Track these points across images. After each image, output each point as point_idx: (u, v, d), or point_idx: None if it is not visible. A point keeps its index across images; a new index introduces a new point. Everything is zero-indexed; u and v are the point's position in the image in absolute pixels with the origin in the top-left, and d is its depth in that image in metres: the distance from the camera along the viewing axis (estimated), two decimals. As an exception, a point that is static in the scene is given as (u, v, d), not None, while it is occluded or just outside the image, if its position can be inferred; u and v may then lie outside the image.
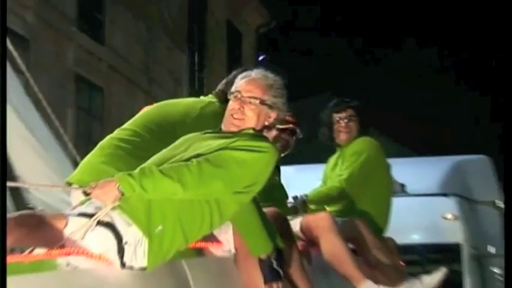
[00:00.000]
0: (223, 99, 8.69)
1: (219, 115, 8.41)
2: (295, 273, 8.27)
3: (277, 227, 8.04)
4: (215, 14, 39.47)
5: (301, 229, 9.76)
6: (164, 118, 8.71)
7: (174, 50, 34.57)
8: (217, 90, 9.34)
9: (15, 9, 26.44)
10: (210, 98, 9.32)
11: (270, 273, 7.46)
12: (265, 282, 7.46)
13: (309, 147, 12.37)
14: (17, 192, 8.34)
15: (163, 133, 8.38)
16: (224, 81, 9.32)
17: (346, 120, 11.18)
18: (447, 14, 69.63)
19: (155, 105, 9.15)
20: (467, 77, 62.43)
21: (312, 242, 9.72)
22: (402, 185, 11.64)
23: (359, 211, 10.96)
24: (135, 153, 8.15)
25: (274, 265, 7.49)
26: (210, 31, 39.18)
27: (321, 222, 9.85)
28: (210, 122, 8.49)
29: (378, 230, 11.12)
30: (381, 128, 9.89)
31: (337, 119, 11.23)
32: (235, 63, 34.12)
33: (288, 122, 8.52)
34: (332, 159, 11.63)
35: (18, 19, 26.46)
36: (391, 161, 11.77)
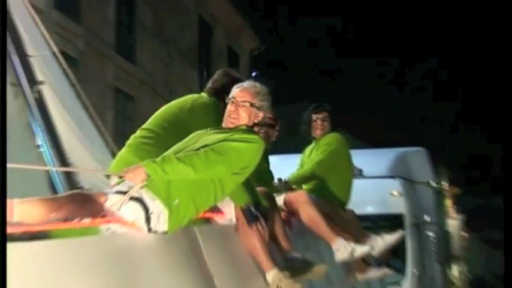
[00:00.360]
0: (212, 94, 9.27)
1: (207, 105, 9.11)
2: (280, 234, 8.39)
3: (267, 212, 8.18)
4: (218, 41, 39.61)
5: (284, 203, 9.81)
6: (169, 115, 8.99)
7: (187, 68, 34.86)
8: (206, 87, 9.51)
9: (69, 38, 26.42)
10: (200, 94, 9.47)
11: (251, 217, 7.71)
12: (249, 224, 7.69)
13: (290, 141, 12.53)
14: (69, 176, 8.30)
15: (171, 126, 8.77)
16: (211, 80, 9.55)
17: (321, 120, 11.43)
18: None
19: (163, 107, 9.32)
20: (418, 88, 63.07)
21: (292, 213, 9.81)
22: (360, 170, 11.81)
23: (328, 189, 11.03)
24: (153, 145, 8.47)
25: (253, 212, 7.73)
26: (215, 54, 39.39)
27: (300, 197, 10.06)
28: (199, 111, 8.96)
29: (342, 203, 11.31)
30: (346, 127, 9.97)
31: (315, 118, 11.46)
32: (232, 81, 34.61)
33: (269, 119, 8.39)
34: (308, 149, 11.77)
35: (71, 45, 26.42)
36: (352, 151, 11.89)
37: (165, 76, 31.43)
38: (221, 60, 40.15)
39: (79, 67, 26.09)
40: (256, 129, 8.01)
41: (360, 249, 9.78)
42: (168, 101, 9.42)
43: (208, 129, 7.74)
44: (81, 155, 9.29)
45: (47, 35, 10.06)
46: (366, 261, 10.45)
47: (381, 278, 11.77)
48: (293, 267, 7.93)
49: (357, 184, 11.82)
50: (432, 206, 20.72)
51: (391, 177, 18.60)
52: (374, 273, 10.76)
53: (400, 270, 17.91)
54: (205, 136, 7.46)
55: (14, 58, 8.93)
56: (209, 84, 9.51)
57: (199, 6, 37.41)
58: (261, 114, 7.94)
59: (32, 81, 8.95)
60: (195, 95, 9.41)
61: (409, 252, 18.26)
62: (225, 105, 8.15)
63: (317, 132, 11.52)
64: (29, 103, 8.84)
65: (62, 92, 9.84)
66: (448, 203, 23.72)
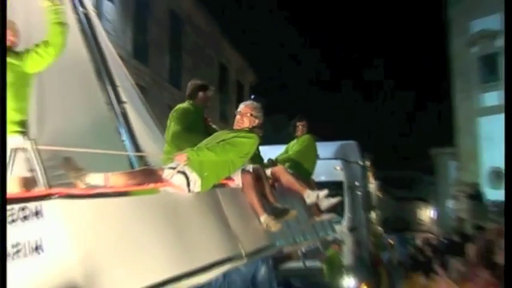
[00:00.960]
0: (187, 98, 9.55)
1: (187, 108, 9.33)
2: (268, 193, 8.39)
3: (259, 173, 8.35)
4: (231, 77, 39.37)
5: (271, 173, 9.78)
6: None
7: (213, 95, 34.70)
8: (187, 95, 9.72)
9: (141, 75, 26.44)
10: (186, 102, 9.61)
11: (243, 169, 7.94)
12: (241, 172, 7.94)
13: (277, 137, 12.61)
14: (141, 158, 8.43)
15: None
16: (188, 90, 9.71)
17: (302, 126, 11.69)
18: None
19: None
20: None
21: (276, 179, 9.81)
22: (318, 154, 11.79)
23: (300, 167, 11.10)
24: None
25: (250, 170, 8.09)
26: (230, 87, 39.19)
27: (281, 169, 10.11)
28: (183, 112, 9.23)
29: (309, 174, 11.37)
30: (313, 130, 10.19)
31: (298, 124, 11.70)
32: (239, 101, 34.53)
33: (259, 124, 8.43)
34: (291, 143, 11.85)
35: (142, 79, 26.51)
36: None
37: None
38: (233, 89, 40.00)
39: (147, 93, 26.05)
40: (255, 130, 8.19)
41: (321, 194, 10.14)
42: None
43: (226, 130, 8.15)
44: (149, 145, 9.42)
45: (127, 73, 10.22)
46: (319, 209, 10.46)
47: (329, 219, 11.61)
48: (276, 213, 8.04)
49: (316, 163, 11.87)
50: (360, 176, 20.84)
51: (335, 158, 18.93)
52: (325, 216, 10.73)
53: (341, 215, 18.12)
54: (224, 135, 7.75)
55: (108, 87, 9.02)
56: (187, 92, 9.73)
57: (220, 56, 37.43)
58: (257, 121, 8.25)
59: (119, 101, 9.04)
60: (183, 104, 9.63)
61: (346, 204, 18.61)
62: (200, 101, 9.42)
63: (298, 133, 11.74)
64: (117, 115, 8.94)
65: (138, 108, 10.00)
66: (369, 174, 23.75)
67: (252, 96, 38.42)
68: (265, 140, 10.82)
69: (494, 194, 37.25)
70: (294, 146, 11.72)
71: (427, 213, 64.65)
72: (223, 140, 7.52)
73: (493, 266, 13.33)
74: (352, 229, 18.92)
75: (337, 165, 18.78)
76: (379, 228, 28.22)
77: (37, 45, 6.30)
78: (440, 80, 47.03)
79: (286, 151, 11.81)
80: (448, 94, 44.79)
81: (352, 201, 19.29)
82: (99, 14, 23.31)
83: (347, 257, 18.14)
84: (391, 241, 39.07)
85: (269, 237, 8.01)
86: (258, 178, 8.28)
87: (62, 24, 6.47)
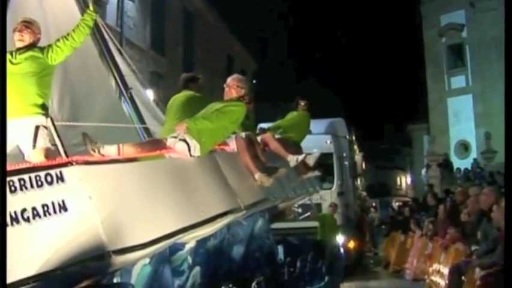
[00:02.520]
0: (182, 88, 9.04)
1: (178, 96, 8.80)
2: (260, 154, 8.22)
3: (251, 138, 8.24)
4: (236, 67, 39.00)
5: (260, 140, 9.47)
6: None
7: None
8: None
9: (158, 63, 26.27)
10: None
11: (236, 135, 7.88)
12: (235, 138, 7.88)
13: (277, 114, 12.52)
14: (147, 131, 8.86)
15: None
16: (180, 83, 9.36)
17: (303, 104, 11.34)
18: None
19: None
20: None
21: (264, 145, 9.52)
22: (310, 130, 11.64)
23: (291, 135, 10.76)
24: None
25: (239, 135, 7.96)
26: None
27: (267, 136, 9.87)
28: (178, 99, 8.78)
29: (297, 143, 10.96)
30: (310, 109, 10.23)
31: (300, 102, 11.36)
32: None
33: (247, 99, 8.24)
34: (289, 114, 11.52)
35: (160, 67, 26.34)
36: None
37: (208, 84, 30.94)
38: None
39: (164, 79, 25.97)
40: (242, 99, 7.99)
41: (300, 157, 9.84)
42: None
43: (217, 102, 7.85)
44: (151, 120, 9.51)
45: (130, 63, 10.20)
46: (307, 167, 10.37)
47: (316, 178, 11.54)
48: (268, 170, 7.90)
49: (308, 138, 11.61)
50: (347, 148, 20.67)
51: (326, 133, 18.85)
52: (311, 174, 10.46)
53: (331, 182, 18.34)
54: (216, 105, 7.51)
55: (116, 77, 9.24)
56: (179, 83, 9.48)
57: (227, 47, 37.21)
58: (243, 91, 8.07)
59: (126, 87, 9.18)
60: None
61: (335, 172, 18.71)
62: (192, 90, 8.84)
63: (299, 109, 11.39)
64: (126, 99, 9.15)
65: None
66: (355, 147, 23.72)
67: (254, 81, 38.27)
68: (267, 118, 10.77)
69: (461, 163, 37.69)
70: (288, 117, 11.46)
71: (405, 180, 64.91)
72: (216, 110, 7.30)
73: (459, 224, 13.34)
74: (341, 194, 18.92)
75: (328, 139, 18.70)
76: (364, 193, 28.42)
77: (58, 40, 6.52)
78: (415, 66, 46.88)
79: (283, 121, 11.46)
80: (422, 78, 45.28)
81: (341, 170, 19.24)
82: (122, 12, 23.50)
83: (337, 217, 18.10)
84: (374, 204, 39.20)
85: (264, 192, 7.92)
86: (250, 143, 8.13)
87: (90, 27, 6.93)
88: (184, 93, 8.84)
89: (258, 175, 7.73)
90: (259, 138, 9.66)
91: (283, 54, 56.34)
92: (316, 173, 10.97)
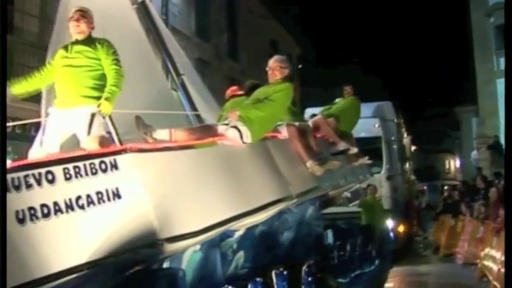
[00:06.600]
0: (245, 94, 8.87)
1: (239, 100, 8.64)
2: (312, 142, 8.27)
3: (304, 128, 8.40)
4: (281, 51, 38.88)
5: (312, 123, 9.60)
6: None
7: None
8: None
9: (203, 50, 26.33)
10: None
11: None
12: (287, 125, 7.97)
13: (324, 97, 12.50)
14: (199, 118, 8.68)
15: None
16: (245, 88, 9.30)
17: (349, 89, 11.35)
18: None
19: None
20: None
21: (315, 129, 9.52)
22: (359, 114, 11.60)
23: (342, 122, 10.63)
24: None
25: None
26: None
27: (320, 120, 9.99)
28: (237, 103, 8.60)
29: (348, 129, 10.95)
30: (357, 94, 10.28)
31: (345, 88, 11.39)
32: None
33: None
34: (338, 101, 11.42)
35: (205, 54, 26.46)
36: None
37: (253, 69, 30.90)
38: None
39: (209, 66, 26.14)
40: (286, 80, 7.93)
41: (346, 146, 9.94)
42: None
43: (264, 86, 7.81)
44: (203, 107, 9.30)
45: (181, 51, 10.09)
46: (357, 155, 10.36)
47: (366, 165, 11.53)
48: (320, 160, 7.92)
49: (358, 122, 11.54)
50: (395, 132, 20.53)
51: (374, 117, 18.79)
52: (361, 161, 10.53)
53: (380, 166, 18.22)
54: (264, 91, 7.50)
55: (168, 63, 9.13)
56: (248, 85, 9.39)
57: (272, 34, 37.11)
58: (286, 71, 7.94)
59: (177, 73, 9.10)
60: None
61: (384, 156, 18.75)
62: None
63: (345, 95, 11.29)
64: (177, 84, 9.09)
65: (194, 80, 9.82)
66: (403, 130, 23.52)
67: (300, 66, 38.09)
68: (313, 102, 10.73)
69: None
70: (338, 103, 11.30)
71: (453, 164, 64.08)
72: (265, 98, 7.20)
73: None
74: (390, 177, 18.85)
75: (376, 123, 18.71)
76: (412, 176, 28.11)
77: (113, 61, 6.26)
78: (463, 47, 46.13)
79: (330, 107, 11.39)
80: (469, 59, 44.49)
81: (389, 153, 19.16)
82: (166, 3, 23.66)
83: (386, 201, 18.03)
84: (422, 188, 38.83)
85: (315, 180, 7.88)
86: (303, 131, 8.15)
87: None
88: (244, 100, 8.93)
89: (309, 163, 7.76)
90: (311, 122, 9.67)
91: (327, 38, 55.90)
92: (367, 160, 10.93)
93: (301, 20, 46.93)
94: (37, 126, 6.51)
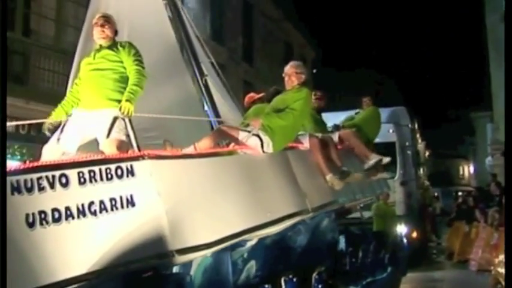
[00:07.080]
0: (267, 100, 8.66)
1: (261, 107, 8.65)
2: (333, 154, 8.22)
3: (326, 140, 8.37)
4: (295, 54, 38.86)
5: (339, 136, 9.58)
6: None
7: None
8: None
9: (219, 53, 26.41)
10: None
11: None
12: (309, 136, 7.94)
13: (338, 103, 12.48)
14: (220, 123, 8.52)
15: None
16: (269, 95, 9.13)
17: (367, 100, 11.42)
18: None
19: None
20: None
21: (342, 142, 9.54)
22: (380, 124, 11.60)
23: (365, 133, 10.63)
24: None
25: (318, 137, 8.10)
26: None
27: (348, 133, 9.88)
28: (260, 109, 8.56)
29: (370, 140, 10.88)
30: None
31: (364, 100, 11.43)
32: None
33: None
34: (361, 112, 11.47)
35: (220, 57, 26.36)
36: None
37: (268, 73, 30.82)
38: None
39: (224, 69, 26.07)
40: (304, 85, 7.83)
41: (384, 160, 9.70)
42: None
43: (282, 94, 7.80)
44: (227, 113, 9.34)
45: (208, 51, 10.02)
46: (377, 169, 10.15)
47: (384, 179, 11.58)
48: (341, 174, 7.86)
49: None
50: (410, 137, 20.40)
51: (389, 122, 18.49)
52: (380, 175, 10.36)
53: (394, 171, 17.93)
54: (282, 99, 7.47)
55: (192, 62, 9.22)
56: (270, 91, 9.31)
57: (285, 36, 37.10)
58: (303, 77, 7.85)
59: (202, 74, 9.15)
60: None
61: (398, 161, 18.52)
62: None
63: (364, 107, 11.34)
64: (201, 86, 9.13)
65: (216, 82, 9.79)
66: (417, 135, 23.43)
67: (314, 71, 37.97)
68: (327, 107, 10.68)
69: (527, 151, 36.53)
70: (360, 114, 11.30)
71: (467, 169, 63.85)
72: (286, 107, 7.14)
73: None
74: (404, 183, 18.76)
75: (390, 128, 18.55)
76: (427, 182, 27.96)
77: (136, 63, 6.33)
78: (478, 51, 45.87)
79: (352, 118, 11.38)
80: (484, 64, 44.17)
81: (404, 159, 19.10)
82: (182, 3, 23.71)
83: (400, 207, 17.95)
84: (436, 193, 38.62)
85: (333, 194, 7.83)
86: (325, 144, 8.11)
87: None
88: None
89: (329, 176, 7.72)
90: (337, 135, 9.63)
91: (342, 42, 55.91)
92: (385, 175, 10.83)
93: (316, 24, 47.00)
94: (55, 128, 6.51)
